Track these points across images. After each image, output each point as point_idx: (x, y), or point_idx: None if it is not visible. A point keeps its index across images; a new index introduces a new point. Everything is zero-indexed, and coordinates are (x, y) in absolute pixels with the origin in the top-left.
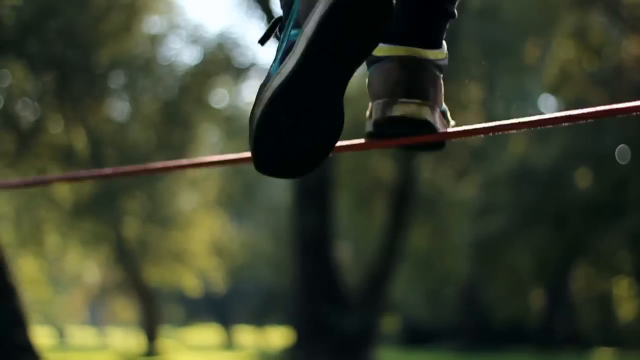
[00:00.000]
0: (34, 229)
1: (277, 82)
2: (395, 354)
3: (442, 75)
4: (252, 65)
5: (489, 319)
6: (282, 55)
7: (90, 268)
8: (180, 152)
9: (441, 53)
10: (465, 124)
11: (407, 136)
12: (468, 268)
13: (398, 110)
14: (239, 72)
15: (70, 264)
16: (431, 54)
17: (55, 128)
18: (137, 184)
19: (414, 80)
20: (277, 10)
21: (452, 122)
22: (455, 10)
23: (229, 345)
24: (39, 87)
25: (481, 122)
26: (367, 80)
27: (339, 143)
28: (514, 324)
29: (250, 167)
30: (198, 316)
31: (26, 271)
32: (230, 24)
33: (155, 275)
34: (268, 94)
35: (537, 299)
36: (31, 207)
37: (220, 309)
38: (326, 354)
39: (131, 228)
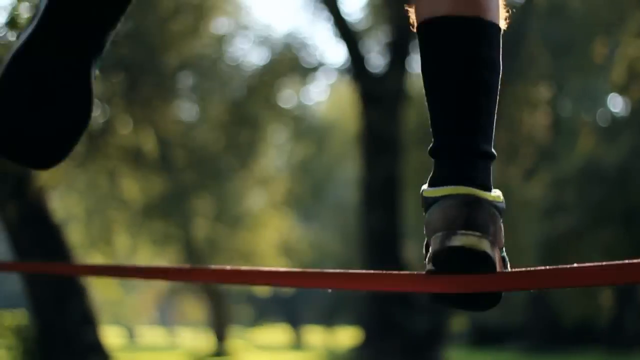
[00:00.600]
0: (103, 230)
1: (15, 46)
2: (463, 354)
3: (501, 219)
4: (320, 65)
5: (558, 318)
6: (30, 22)
7: None
8: (248, 153)
9: (498, 196)
10: (534, 125)
11: (466, 270)
12: (537, 267)
13: (457, 241)
14: (307, 72)
15: (140, 264)
16: (489, 195)
17: (124, 129)
18: (206, 184)
19: (474, 215)
20: (345, 10)
21: (509, 267)
22: (494, 153)
23: (297, 345)
24: (108, 88)
25: (548, 121)
26: (424, 220)
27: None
28: (583, 324)
29: (318, 167)
30: (267, 316)
31: None
32: (298, 24)
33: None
34: (6, 58)
35: (606, 298)
36: (101, 208)
37: (289, 309)
38: (395, 354)
39: (200, 228)
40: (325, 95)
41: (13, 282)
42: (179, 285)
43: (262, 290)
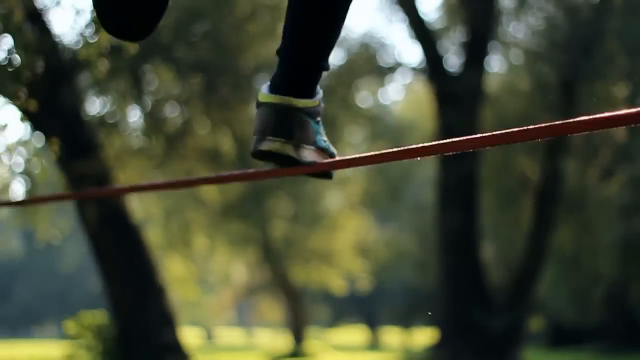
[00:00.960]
0: (182, 230)
1: None
2: (540, 354)
3: (314, 119)
4: (397, 65)
5: (636, 319)
6: None
7: (237, 268)
8: None
9: (312, 102)
10: None
11: (277, 165)
12: (615, 267)
13: (265, 146)
14: (384, 72)
15: (218, 265)
16: (302, 102)
17: (202, 130)
18: (283, 185)
19: (280, 123)
20: (421, 10)
21: (336, 154)
22: (328, 64)
23: (374, 346)
24: (186, 90)
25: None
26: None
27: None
28: None
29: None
30: (344, 317)
31: (174, 272)
32: (374, 24)
33: (302, 275)
34: None
35: None
36: (179, 209)
37: (366, 309)
38: (471, 354)
39: (278, 228)
40: (402, 94)
41: (93, 283)
42: (257, 286)
43: (339, 290)
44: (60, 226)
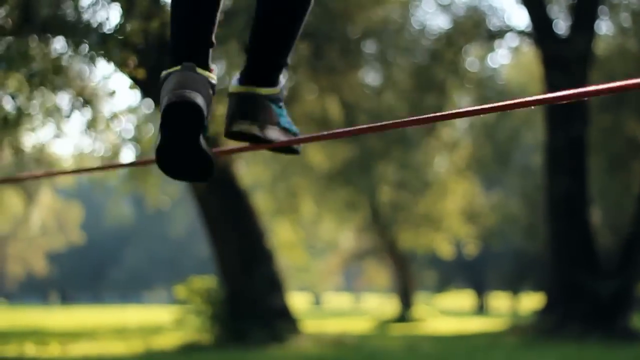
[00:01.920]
0: (289, 196)
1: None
2: None
3: (277, 104)
4: (506, 29)
5: None
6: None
7: (345, 234)
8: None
9: (274, 90)
10: None
11: (241, 140)
12: None
13: (235, 127)
14: (491, 36)
15: (326, 230)
16: (264, 90)
17: (310, 96)
18: (391, 150)
19: (246, 108)
20: None
21: (298, 133)
22: (288, 61)
23: (481, 310)
24: (294, 56)
25: None
26: None
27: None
28: None
29: (502, 131)
30: (451, 282)
31: (282, 237)
32: None
33: (409, 240)
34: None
35: None
36: (287, 175)
37: (473, 274)
38: (579, 319)
39: (385, 194)
40: (509, 58)
41: (202, 248)
42: (365, 251)
43: (446, 255)
44: (170, 192)
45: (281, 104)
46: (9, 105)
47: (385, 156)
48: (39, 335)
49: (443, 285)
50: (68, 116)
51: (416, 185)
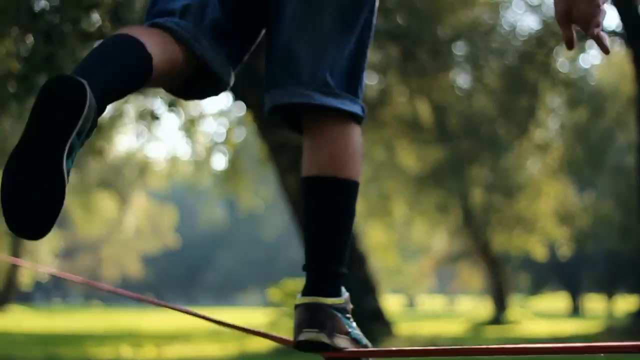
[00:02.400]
0: (381, 199)
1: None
2: None
3: (344, 315)
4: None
5: None
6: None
7: (437, 236)
8: (524, 120)
9: (339, 300)
10: None
11: (311, 351)
12: None
13: (303, 336)
14: (583, 36)
15: (418, 232)
16: (329, 300)
17: (400, 98)
18: (482, 152)
19: (313, 317)
20: None
21: (369, 345)
22: (345, 270)
23: (576, 313)
24: (384, 59)
25: None
26: None
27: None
28: None
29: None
30: (545, 284)
31: (375, 240)
32: None
33: (502, 242)
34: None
35: None
36: (378, 178)
37: (567, 276)
38: None
39: (477, 196)
40: (601, 59)
41: (295, 251)
42: (458, 253)
43: (540, 257)
44: (262, 195)
45: (348, 315)
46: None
47: (477, 159)
48: (135, 338)
49: (537, 287)
50: (158, 118)
51: (508, 188)
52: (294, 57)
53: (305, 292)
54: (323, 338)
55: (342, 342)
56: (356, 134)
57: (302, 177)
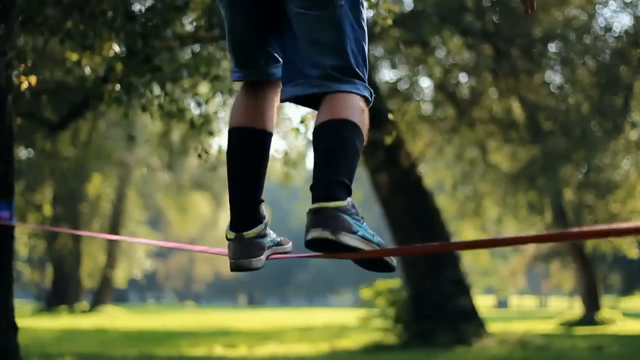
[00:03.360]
0: (472, 198)
1: None
2: None
3: (350, 215)
4: None
5: None
6: None
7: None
8: (618, 118)
9: (341, 203)
10: None
11: (321, 250)
12: None
13: (309, 235)
14: None
15: (510, 232)
16: (332, 204)
17: (492, 98)
18: (575, 151)
19: (317, 219)
20: None
21: (382, 244)
22: (347, 182)
23: None
24: (475, 59)
25: None
26: None
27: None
28: None
29: None
30: (637, 284)
31: (466, 239)
32: None
33: (594, 242)
34: None
35: None
36: (470, 177)
37: None
38: None
39: (569, 194)
40: None
41: None
42: (549, 253)
43: (633, 257)
44: (354, 195)
45: (357, 217)
46: (196, 111)
47: (570, 157)
48: (227, 336)
49: (629, 287)
50: None
51: (601, 186)
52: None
53: (313, 200)
54: (327, 235)
55: (349, 239)
56: (362, 104)
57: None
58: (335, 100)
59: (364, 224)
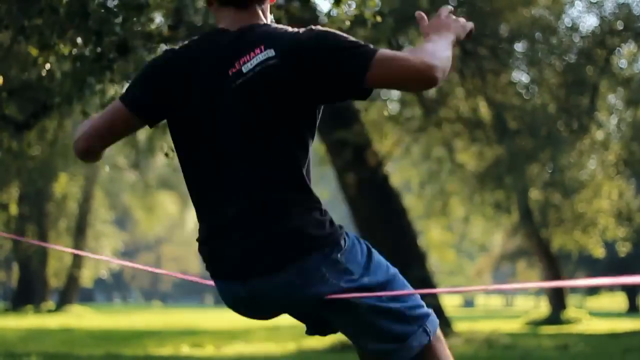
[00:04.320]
0: (439, 197)
1: None
2: None
3: None
4: None
5: None
6: None
7: (495, 235)
8: (583, 118)
9: None
10: None
11: None
12: None
13: None
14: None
15: (476, 232)
16: None
17: (458, 98)
18: (541, 150)
19: None
20: None
21: None
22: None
23: (634, 312)
24: None
25: None
26: None
27: None
28: None
29: None
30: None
31: (432, 238)
32: None
33: (560, 241)
34: None
35: None
36: (436, 176)
37: (625, 275)
38: None
39: (535, 194)
40: None
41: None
42: (515, 252)
43: (597, 256)
44: (320, 194)
45: None
46: None
47: (536, 157)
48: (194, 335)
49: (595, 287)
50: None
51: (568, 186)
52: None
53: None
54: None
55: None
56: (439, 343)
57: None
58: None
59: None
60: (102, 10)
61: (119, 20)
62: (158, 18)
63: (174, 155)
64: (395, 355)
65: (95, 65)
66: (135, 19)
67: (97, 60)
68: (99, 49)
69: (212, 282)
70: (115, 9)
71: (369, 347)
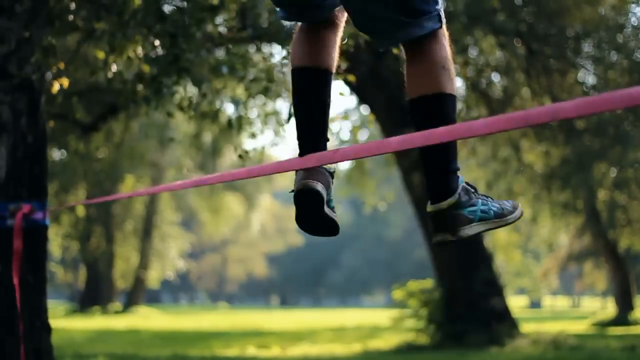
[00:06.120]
0: (505, 197)
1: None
2: None
3: (462, 208)
4: None
5: None
6: None
7: (562, 236)
8: None
9: (453, 200)
10: None
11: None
12: None
13: (434, 239)
14: None
15: (542, 232)
16: (446, 204)
17: (524, 98)
18: (609, 150)
19: (438, 223)
20: None
21: (504, 205)
22: (457, 165)
23: None
24: (507, 58)
25: None
26: None
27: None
28: None
29: None
30: None
31: (499, 240)
32: None
33: (628, 241)
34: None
35: None
36: (503, 176)
37: None
38: None
39: (603, 194)
40: None
41: (420, 251)
42: (583, 253)
43: None
44: (386, 195)
45: (471, 200)
46: (231, 111)
47: (604, 156)
48: (260, 337)
49: None
50: (287, 121)
51: (636, 185)
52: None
53: (429, 201)
54: (449, 237)
55: (469, 230)
56: (444, 39)
57: (409, 100)
58: (423, 65)
59: (479, 199)
60: (178, 13)
61: (193, 22)
62: (220, 19)
63: (246, 157)
64: (404, 30)
65: (172, 68)
66: (209, 20)
67: (174, 62)
68: (175, 51)
69: None
70: (189, 11)
71: (383, 13)
